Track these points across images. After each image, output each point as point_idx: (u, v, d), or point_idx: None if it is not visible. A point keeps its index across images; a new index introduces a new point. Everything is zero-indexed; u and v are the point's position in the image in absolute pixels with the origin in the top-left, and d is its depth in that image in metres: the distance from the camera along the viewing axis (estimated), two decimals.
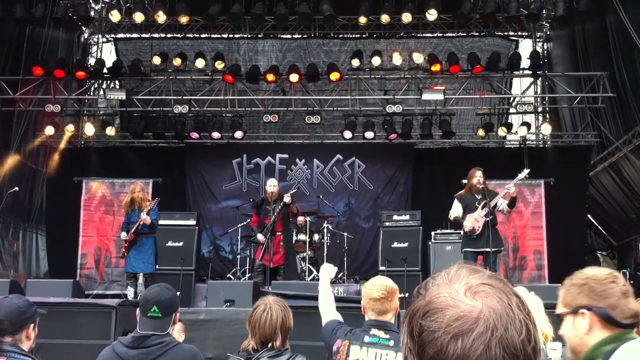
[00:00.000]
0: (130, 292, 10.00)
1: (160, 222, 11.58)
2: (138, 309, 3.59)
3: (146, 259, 9.96)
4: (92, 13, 14.88)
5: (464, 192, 9.00)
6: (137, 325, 3.55)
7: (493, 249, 8.58)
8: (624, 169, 13.76)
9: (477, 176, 8.79)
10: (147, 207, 9.92)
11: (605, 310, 2.25)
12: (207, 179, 15.20)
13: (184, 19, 13.18)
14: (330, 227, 12.80)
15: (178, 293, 10.29)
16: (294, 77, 13.62)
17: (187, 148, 15.26)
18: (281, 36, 16.15)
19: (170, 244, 11.34)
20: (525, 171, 9.11)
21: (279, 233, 10.38)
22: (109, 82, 15.35)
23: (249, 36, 16.05)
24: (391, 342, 3.67)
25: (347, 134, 14.38)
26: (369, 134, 14.36)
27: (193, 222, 11.73)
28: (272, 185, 10.47)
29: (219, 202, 15.09)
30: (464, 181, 9.47)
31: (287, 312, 3.70)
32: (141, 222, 9.81)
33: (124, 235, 9.97)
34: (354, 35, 15.86)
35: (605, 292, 2.27)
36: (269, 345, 3.59)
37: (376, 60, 13.83)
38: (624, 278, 2.43)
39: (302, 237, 12.12)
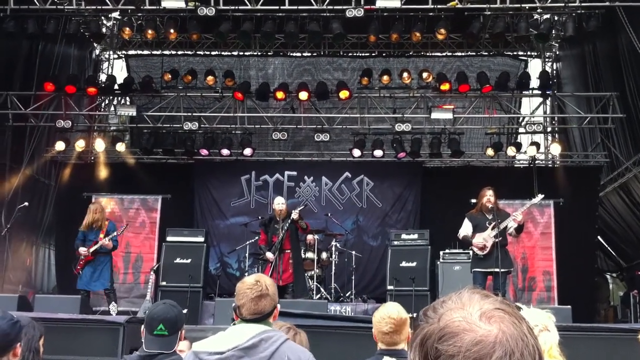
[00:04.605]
0: None
1: (169, 238, 11.64)
2: (143, 327, 3.55)
3: (103, 275, 10.10)
4: (103, 30, 14.99)
5: (474, 211, 8.96)
6: (142, 343, 3.53)
7: (503, 270, 8.53)
8: (634, 190, 13.68)
9: (488, 195, 8.75)
10: (106, 226, 10.08)
11: None
12: (215, 195, 15.22)
13: (194, 37, 13.26)
14: (338, 245, 12.76)
15: (185, 310, 10.31)
16: (303, 95, 13.66)
17: (196, 165, 15.30)
18: (291, 54, 16.24)
19: (178, 260, 11.33)
20: (539, 197, 9.07)
21: (288, 251, 10.34)
22: (119, 98, 15.46)
23: (259, 54, 16.15)
24: None
25: (356, 152, 14.36)
26: (378, 152, 14.34)
27: (201, 239, 11.70)
28: (279, 203, 10.46)
29: (226, 219, 15.09)
30: (473, 200, 9.43)
31: (302, 336, 3.68)
32: (100, 244, 9.94)
33: (83, 250, 9.97)
34: (363, 54, 15.93)
35: None
36: None
37: (385, 79, 13.89)
38: None
39: (310, 255, 12.09)
